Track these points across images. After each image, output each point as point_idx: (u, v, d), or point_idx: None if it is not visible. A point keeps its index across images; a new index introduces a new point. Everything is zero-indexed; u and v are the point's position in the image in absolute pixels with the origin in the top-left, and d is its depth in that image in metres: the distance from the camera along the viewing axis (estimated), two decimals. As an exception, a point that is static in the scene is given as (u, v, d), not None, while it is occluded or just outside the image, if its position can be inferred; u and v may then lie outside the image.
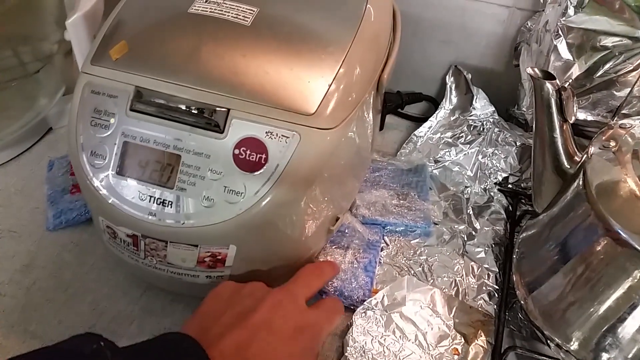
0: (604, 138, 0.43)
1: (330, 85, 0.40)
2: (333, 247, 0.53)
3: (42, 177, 0.61)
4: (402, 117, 0.71)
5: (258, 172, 0.38)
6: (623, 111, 0.52)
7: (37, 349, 0.31)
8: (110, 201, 0.40)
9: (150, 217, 0.40)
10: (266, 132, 0.38)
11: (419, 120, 0.68)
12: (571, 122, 0.45)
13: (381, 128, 0.64)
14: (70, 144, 0.42)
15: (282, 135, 0.38)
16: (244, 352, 0.34)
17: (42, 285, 0.51)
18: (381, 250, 0.55)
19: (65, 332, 0.47)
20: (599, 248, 0.39)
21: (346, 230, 0.55)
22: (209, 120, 0.38)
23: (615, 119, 0.45)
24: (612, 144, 0.42)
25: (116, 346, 0.31)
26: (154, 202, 0.40)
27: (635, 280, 0.37)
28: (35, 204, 0.59)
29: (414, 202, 0.58)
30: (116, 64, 0.41)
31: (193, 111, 0.39)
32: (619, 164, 0.41)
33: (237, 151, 0.38)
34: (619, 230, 0.37)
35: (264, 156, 0.38)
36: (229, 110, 0.38)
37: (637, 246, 0.36)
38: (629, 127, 0.44)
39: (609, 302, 0.39)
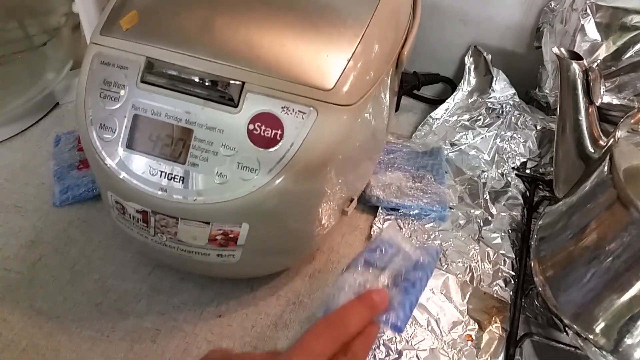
0: (632, 121, 0.41)
1: (349, 60, 0.38)
2: (368, 268, 0.42)
3: (48, 153, 0.60)
4: (417, 99, 0.69)
5: (273, 149, 0.37)
6: (651, 95, 0.50)
7: None
8: (119, 176, 0.39)
9: (160, 192, 0.38)
10: (282, 107, 0.37)
11: (435, 103, 0.67)
12: (597, 104, 0.43)
13: (396, 109, 0.63)
14: (78, 116, 0.41)
15: (299, 111, 0.37)
16: None
17: (48, 262, 0.50)
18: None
19: (71, 309, 0.46)
20: (625, 234, 0.38)
21: (387, 249, 0.43)
22: (223, 94, 0.37)
23: (643, 102, 0.43)
24: (642, 126, 0.40)
25: None
26: (164, 178, 0.38)
27: (664, 268, 0.36)
28: (41, 180, 0.58)
29: (429, 185, 0.57)
30: (126, 34, 0.40)
31: (206, 84, 0.37)
32: (648, 149, 0.39)
33: (251, 126, 0.37)
34: (648, 215, 0.36)
35: (279, 132, 0.37)
36: (243, 83, 0.37)
37: (667, 233, 0.35)
38: (658, 111, 0.42)
39: (634, 290, 0.38)
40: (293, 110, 0.37)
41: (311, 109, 0.37)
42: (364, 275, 0.41)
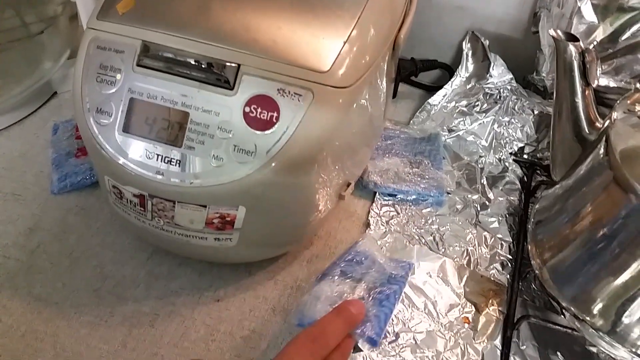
0: (629, 102, 0.41)
1: (345, 43, 0.38)
2: (344, 279, 0.45)
3: (46, 141, 0.60)
4: (415, 86, 0.69)
5: (269, 131, 0.37)
6: (648, 77, 0.50)
7: None
8: (116, 160, 0.39)
9: (157, 176, 0.38)
10: (278, 90, 0.37)
11: (432, 90, 0.66)
12: (594, 86, 0.43)
13: (394, 96, 0.63)
14: (75, 101, 0.41)
15: (295, 93, 0.37)
16: None
17: (46, 249, 0.51)
18: (407, 276, 0.46)
19: (70, 295, 0.47)
20: (622, 215, 0.38)
21: (363, 260, 0.47)
22: (219, 76, 0.37)
23: (638, 85, 0.43)
24: (638, 107, 0.40)
25: None
26: (161, 161, 0.38)
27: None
28: (40, 168, 0.58)
29: (427, 170, 0.57)
30: (123, 18, 0.40)
31: (202, 66, 0.37)
32: (644, 130, 0.39)
33: (247, 109, 0.37)
34: (644, 196, 0.36)
35: (275, 114, 0.37)
36: (239, 65, 0.37)
37: (663, 212, 0.35)
38: (655, 92, 0.42)
39: (631, 271, 0.38)
40: (289, 92, 0.37)
41: (307, 91, 0.37)
42: (340, 285, 0.44)
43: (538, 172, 0.59)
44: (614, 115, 0.41)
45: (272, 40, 0.37)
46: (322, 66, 0.37)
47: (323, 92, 0.37)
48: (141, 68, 0.39)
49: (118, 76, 0.39)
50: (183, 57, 0.37)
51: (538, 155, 0.60)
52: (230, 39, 0.37)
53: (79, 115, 0.41)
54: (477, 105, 0.62)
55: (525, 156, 0.60)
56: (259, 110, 0.37)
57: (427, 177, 0.56)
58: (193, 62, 0.37)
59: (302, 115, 0.37)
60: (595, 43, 0.53)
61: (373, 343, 0.40)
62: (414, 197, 0.55)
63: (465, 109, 0.62)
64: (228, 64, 0.37)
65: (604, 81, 0.54)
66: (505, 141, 0.60)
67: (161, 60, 0.38)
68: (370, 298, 0.43)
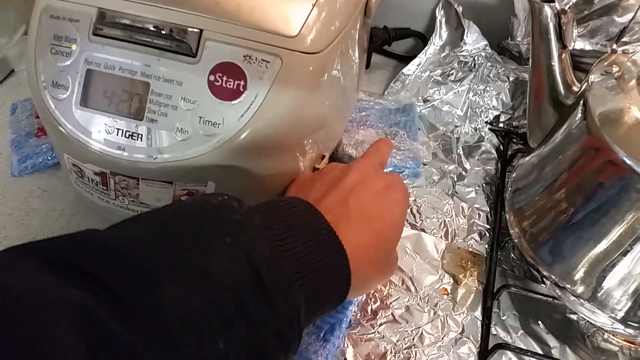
0: (606, 64, 0.40)
1: (314, 6, 0.36)
2: None
3: (4, 122, 0.57)
4: (388, 57, 0.67)
5: (236, 101, 0.35)
6: (624, 39, 0.49)
7: (164, 206, 0.31)
8: (74, 136, 0.37)
9: (119, 151, 0.36)
10: (244, 56, 0.35)
11: (406, 60, 0.65)
12: (570, 48, 0.42)
13: (367, 66, 0.61)
14: (29, 74, 0.39)
15: (262, 60, 0.35)
16: (344, 206, 0.36)
17: (8, 234, 0.48)
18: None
19: (35, 280, 0.45)
20: (601, 179, 0.37)
21: None
22: (180, 43, 0.35)
23: (615, 46, 0.42)
24: (615, 69, 0.39)
25: (241, 200, 0.31)
26: (122, 136, 0.36)
27: (640, 211, 0.35)
28: (-2, 150, 0.55)
29: (402, 142, 0.55)
30: (76, -16, 0.37)
31: (162, 32, 0.35)
32: (622, 92, 0.39)
33: (212, 77, 0.35)
34: (624, 158, 0.35)
35: (242, 83, 0.35)
36: (201, 31, 0.35)
37: (643, 174, 0.34)
38: (631, 53, 0.41)
39: (611, 236, 0.37)
40: (256, 59, 0.35)
41: (275, 57, 0.35)
42: None
43: (514, 140, 0.58)
44: (591, 78, 0.40)
45: (236, 4, 0.35)
46: (290, 31, 0.35)
47: (292, 58, 0.35)
48: (97, 37, 0.36)
49: (73, 47, 0.37)
50: (141, 24, 0.35)
51: (514, 123, 0.59)
52: (191, 2, 0.35)
53: (34, 89, 0.38)
54: (452, 74, 0.61)
55: (501, 125, 0.59)
56: (224, 78, 0.35)
57: (402, 148, 0.55)
58: (152, 29, 0.35)
59: (270, 83, 0.35)
60: (570, 4, 0.52)
61: None
62: (390, 169, 0.54)
63: (440, 78, 0.61)
64: (189, 29, 0.35)
65: (579, 44, 0.53)
66: (480, 110, 0.59)
67: (118, 28, 0.36)
68: (313, 334, 0.41)
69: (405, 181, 0.54)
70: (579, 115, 0.40)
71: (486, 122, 0.59)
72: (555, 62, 0.42)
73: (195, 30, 0.35)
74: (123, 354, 0.22)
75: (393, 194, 0.39)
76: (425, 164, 0.55)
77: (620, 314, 0.40)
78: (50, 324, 0.20)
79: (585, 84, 0.40)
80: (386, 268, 0.39)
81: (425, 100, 0.60)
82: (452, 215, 0.51)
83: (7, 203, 0.51)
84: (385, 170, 0.51)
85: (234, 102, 0.35)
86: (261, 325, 0.27)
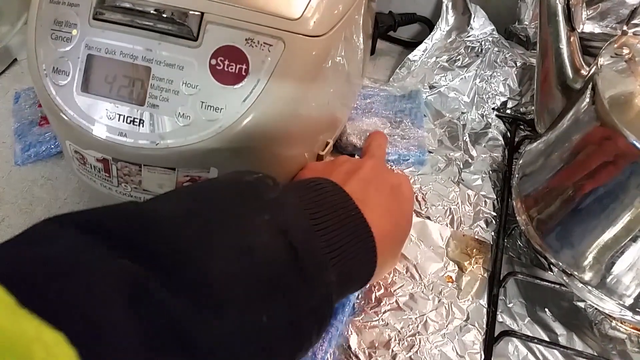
0: (616, 46, 0.39)
1: (317, -13, 0.36)
2: None
3: (7, 111, 0.57)
4: (394, 43, 0.66)
5: (238, 85, 0.35)
6: (635, 20, 0.48)
7: (200, 182, 0.32)
8: (75, 122, 0.37)
9: (120, 137, 0.36)
10: (246, 40, 0.34)
11: (412, 46, 0.64)
12: (579, 30, 0.41)
13: (372, 52, 0.60)
14: (29, 61, 0.38)
15: (265, 43, 0.34)
16: (365, 194, 0.36)
17: (12, 222, 0.48)
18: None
19: (38, 268, 0.44)
20: (610, 164, 0.37)
21: None
22: (181, 26, 0.34)
23: (625, 27, 0.41)
24: (626, 51, 0.38)
25: (275, 178, 0.32)
26: (123, 121, 0.36)
27: (652, 195, 0.35)
28: (2, 139, 0.55)
29: (407, 129, 0.55)
30: (75, -32, 0.37)
31: (163, 16, 0.34)
32: (633, 74, 0.38)
33: (214, 61, 0.34)
34: (635, 142, 0.34)
35: (244, 67, 0.34)
36: (202, 14, 0.34)
37: (655, 158, 0.33)
38: (642, 35, 0.40)
39: (620, 221, 0.37)
40: (258, 42, 0.34)
41: (278, 40, 0.34)
42: None
43: (522, 127, 0.57)
44: (600, 60, 0.39)
45: (237, -14, 0.35)
46: (292, 13, 0.35)
47: (294, 41, 0.34)
48: (98, 21, 0.36)
49: (74, 32, 0.37)
50: (142, 7, 0.35)
51: (522, 109, 0.58)
52: (192, -15, 0.35)
53: (35, 75, 0.38)
54: (459, 59, 0.60)
55: (508, 111, 0.58)
56: (226, 62, 0.34)
57: (407, 137, 0.54)
58: (153, 12, 0.34)
59: (273, 67, 0.34)
60: (579, -14, 0.51)
61: None
62: (394, 157, 0.53)
63: (446, 64, 0.60)
64: (190, 12, 0.34)
65: (588, 27, 0.52)
66: (487, 96, 0.58)
67: (119, 12, 0.35)
68: None
69: (410, 169, 0.53)
70: (588, 99, 0.39)
71: (493, 109, 0.58)
72: (564, 46, 0.41)
73: (197, 13, 0.34)
74: (173, 324, 0.22)
75: (404, 190, 0.41)
76: (430, 152, 0.54)
77: (629, 301, 0.39)
78: (102, 295, 0.20)
79: (594, 67, 0.39)
80: (397, 257, 0.42)
81: (431, 87, 0.59)
82: (457, 203, 0.51)
83: (10, 192, 0.50)
84: (388, 159, 0.52)
85: (236, 86, 0.35)
86: (298, 300, 0.28)
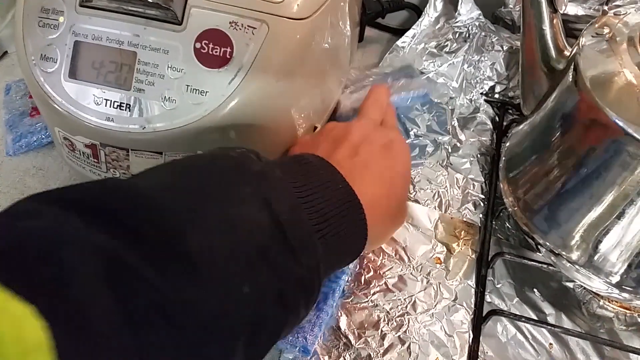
0: (597, 25, 0.40)
1: (300, -29, 0.36)
2: None
3: (-1, 103, 0.58)
4: (382, 30, 0.67)
5: (223, 69, 0.35)
6: (616, 2, 0.48)
7: (185, 157, 0.32)
8: (64, 108, 0.37)
9: (107, 122, 0.36)
10: (230, 23, 0.35)
11: (401, 33, 0.64)
12: (561, 12, 0.41)
13: (361, 39, 0.61)
14: (18, 49, 0.39)
15: (248, 26, 0.35)
16: (354, 160, 0.37)
17: (4, 212, 0.48)
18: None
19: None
20: (593, 143, 0.37)
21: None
22: (165, 11, 0.35)
23: (606, 7, 0.41)
24: (606, 30, 0.39)
25: (258, 153, 0.32)
26: (110, 106, 0.36)
27: (636, 172, 0.35)
28: (-7, 130, 0.55)
29: (406, 82, 0.55)
30: (61, -45, 0.37)
31: (148, 0, 0.35)
32: (614, 54, 0.38)
33: (198, 45, 0.35)
34: (616, 120, 0.35)
35: (228, 50, 0.35)
36: (187, -3, 0.35)
37: (636, 135, 0.34)
38: (622, 15, 0.40)
39: (605, 200, 0.37)
40: (242, 25, 0.35)
41: (262, 23, 0.35)
42: None
43: (510, 111, 0.57)
44: (582, 41, 0.39)
45: (221, -30, 0.35)
46: (275, -4, 0.35)
47: (278, 23, 0.35)
48: (84, 8, 0.36)
49: (61, 19, 0.37)
50: (127, -8, 0.35)
51: (509, 94, 0.58)
52: (176, -30, 0.35)
53: (23, 63, 0.39)
54: (447, 45, 0.60)
55: (496, 95, 0.58)
56: (210, 46, 0.35)
57: (407, 85, 0.54)
58: (137, -3, 0.35)
59: (257, 50, 0.35)
60: (562, -32, 0.51)
61: (306, 352, 0.40)
62: (396, 100, 0.53)
63: (434, 50, 0.61)
64: (174, -4, 0.35)
65: (572, 10, 0.52)
66: (475, 81, 0.59)
67: (104, -2, 0.36)
68: None
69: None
70: (570, 79, 0.39)
71: (481, 94, 0.58)
72: (547, 27, 0.42)
73: (180, -4, 0.35)
74: (151, 298, 0.22)
75: (396, 146, 0.40)
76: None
77: (615, 279, 0.40)
78: (77, 266, 0.20)
79: (576, 47, 0.40)
80: (400, 216, 0.42)
81: (420, 73, 0.60)
82: (446, 187, 0.51)
83: (2, 182, 0.51)
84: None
85: (220, 69, 0.35)
86: (283, 271, 0.28)
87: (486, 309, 0.43)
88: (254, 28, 0.35)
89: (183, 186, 0.28)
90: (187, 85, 0.35)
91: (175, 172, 0.30)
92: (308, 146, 0.40)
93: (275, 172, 0.31)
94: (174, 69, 0.35)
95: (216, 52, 0.35)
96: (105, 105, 0.36)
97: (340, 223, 0.32)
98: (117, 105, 0.36)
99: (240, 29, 0.35)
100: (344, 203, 0.33)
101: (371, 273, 0.45)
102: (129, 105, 0.36)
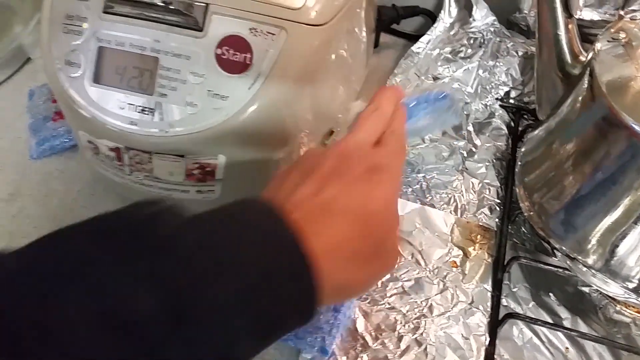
0: (613, 30, 0.40)
1: (318, -22, 0.37)
2: None
3: (22, 108, 0.59)
4: (398, 36, 0.67)
5: (243, 74, 0.36)
6: (632, 7, 0.48)
7: (73, 225, 0.27)
8: (88, 113, 0.38)
9: (131, 126, 0.37)
10: (250, 29, 0.35)
11: (416, 39, 0.65)
12: (576, 16, 0.42)
13: (376, 45, 0.61)
14: (43, 55, 0.40)
15: (268, 32, 0.35)
16: (316, 198, 0.31)
17: (29, 213, 0.50)
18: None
19: (54, 257, 0.46)
20: (609, 148, 0.37)
21: None
22: (187, 17, 0.36)
23: (622, 12, 0.42)
24: (622, 35, 0.39)
25: (182, 208, 0.28)
26: (134, 111, 0.37)
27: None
28: (17, 134, 0.57)
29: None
30: (86, -35, 0.38)
31: (170, 7, 0.36)
32: (630, 59, 0.38)
33: (219, 51, 0.36)
34: (633, 125, 0.35)
35: (248, 56, 0.36)
36: (207, 5, 0.35)
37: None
38: (638, 20, 0.41)
39: (621, 204, 0.37)
40: (262, 31, 0.35)
41: (280, 29, 0.35)
42: None
43: (525, 116, 0.58)
44: (598, 46, 0.40)
45: (241, -22, 0.36)
46: (294, 3, 0.36)
47: (297, 30, 0.36)
48: (108, 15, 0.37)
49: (85, 25, 0.38)
50: (149, 0, 0.36)
51: (525, 99, 0.59)
52: (197, -22, 0.36)
53: (49, 69, 0.40)
54: (462, 50, 0.61)
55: (511, 101, 0.59)
56: (231, 52, 0.36)
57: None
58: (160, 4, 0.36)
59: (276, 56, 0.36)
60: (577, -27, 0.51)
61: (324, 353, 0.40)
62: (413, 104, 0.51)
63: (449, 56, 0.61)
64: (196, 3, 0.36)
65: (587, 14, 0.52)
66: (491, 86, 0.59)
67: (127, 5, 0.37)
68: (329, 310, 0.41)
69: (412, 157, 0.54)
70: (586, 84, 0.40)
71: (497, 99, 0.59)
72: (562, 32, 0.42)
73: (201, 4, 0.35)
74: None
75: (376, 177, 0.33)
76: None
77: (633, 284, 0.40)
78: None
79: (592, 52, 0.40)
80: (383, 257, 0.34)
81: (435, 78, 0.60)
82: (461, 191, 0.52)
83: (27, 184, 0.52)
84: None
85: (241, 75, 0.36)
86: (176, 354, 0.24)
87: (502, 313, 0.43)
88: (273, 34, 0.35)
89: (46, 270, 0.24)
90: (209, 90, 0.36)
91: (43, 250, 0.26)
92: (281, 179, 0.34)
93: (187, 238, 0.26)
94: (196, 74, 0.36)
95: (236, 57, 0.36)
96: (129, 110, 0.37)
97: (273, 284, 0.27)
98: (140, 110, 0.37)
99: (259, 35, 0.35)
100: (281, 260, 0.28)
101: (387, 276, 0.45)
102: (152, 109, 0.37)
